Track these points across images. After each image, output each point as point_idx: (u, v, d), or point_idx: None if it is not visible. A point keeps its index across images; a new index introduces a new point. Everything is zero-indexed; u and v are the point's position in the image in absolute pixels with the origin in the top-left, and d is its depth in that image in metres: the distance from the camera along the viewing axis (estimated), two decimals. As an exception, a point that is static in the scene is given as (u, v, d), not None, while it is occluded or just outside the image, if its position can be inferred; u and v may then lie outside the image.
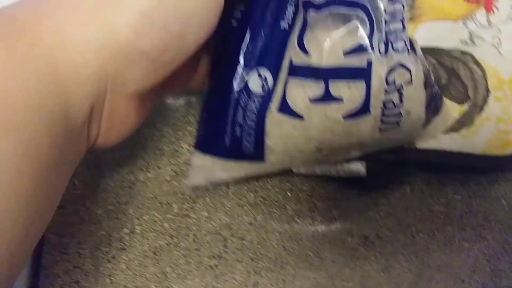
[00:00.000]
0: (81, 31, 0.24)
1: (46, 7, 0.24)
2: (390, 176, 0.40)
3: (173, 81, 0.34)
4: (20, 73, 0.22)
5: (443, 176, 0.41)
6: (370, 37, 0.30)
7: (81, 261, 0.37)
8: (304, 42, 0.31)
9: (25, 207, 0.22)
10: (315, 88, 0.31)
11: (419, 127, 0.34)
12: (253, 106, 0.31)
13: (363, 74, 0.30)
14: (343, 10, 0.30)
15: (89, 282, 0.36)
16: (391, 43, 0.31)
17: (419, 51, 0.33)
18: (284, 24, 0.31)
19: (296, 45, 0.31)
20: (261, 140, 0.32)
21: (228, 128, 0.32)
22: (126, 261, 0.37)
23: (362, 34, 0.30)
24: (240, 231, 0.38)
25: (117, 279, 0.36)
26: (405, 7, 0.31)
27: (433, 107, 0.34)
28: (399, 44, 0.31)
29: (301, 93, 0.31)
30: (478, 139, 0.39)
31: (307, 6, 0.31)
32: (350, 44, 0.30)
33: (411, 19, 0.42)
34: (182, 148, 0.41)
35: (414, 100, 0.32)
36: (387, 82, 0.30)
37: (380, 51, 0.30)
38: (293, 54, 0.31)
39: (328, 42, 0.30)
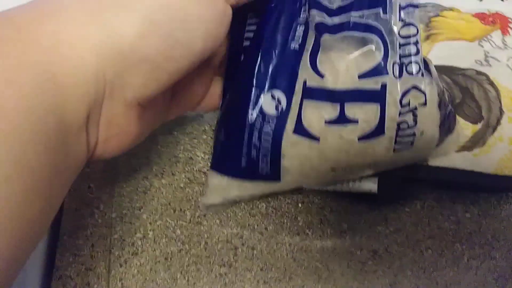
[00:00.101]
0: (80, 32, 0.23)
1: (45, 9, 0.24)
2: (401, 192, 0.40)
3: (184, 99, 0.34)
4: (14, 78, 0.21)
5: (454, 194, 0.40)
6: (385, 60, 0.30)
7: (93, 264, 0.37)
8: (318, 64, 0.31)
9: (16, 215, 0.21)
10: (331, 110, 0.31)
11: (432, 146, 0.34)
12: (268, 128, 0.31)
13: (378, 96, 0.30)
14: (358, 34, 0.30)
15: (100, 285, 0.36)
16: (406, 66, 0.30)
17: (434, 72, 0.33)
18: (294, 45, 0.31)
19: (310, 66, 0.31)
20: (277, 161, 0.32)
21: (244, 150, 0.32)
22: (137, 266, 0.37)
23: (377, 57, 0.30)
24: (251, 241, 0.38)
25: (128, 283, 0.37)
26: (419, 30, 0.31)
27: (446, 126, 0.34)
28: (414, 67, 0.31)
29: (316, 115, 0.31)
30: (490, 158, 0.39)
31: (321, 29, 0.30)
32: (365, 67, 0.30)
33: (427, 38, 0.42)
34: (197, 156, 0.41)
35: (428, 120, 0.32)
36: (401, 104, 0.30)
37: (395, 74, 0.30)
38: (307, 76, 0.31)
39: (343, 65, 0.30)
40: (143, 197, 0.39)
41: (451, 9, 0.44)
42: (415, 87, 0.30)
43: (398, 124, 0.30)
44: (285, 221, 0.39)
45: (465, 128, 0.39)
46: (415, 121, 0.31)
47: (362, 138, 0.31)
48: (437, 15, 0.44)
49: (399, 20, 0.30)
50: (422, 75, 0.30)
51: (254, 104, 0.31)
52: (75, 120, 0.24)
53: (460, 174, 0.38)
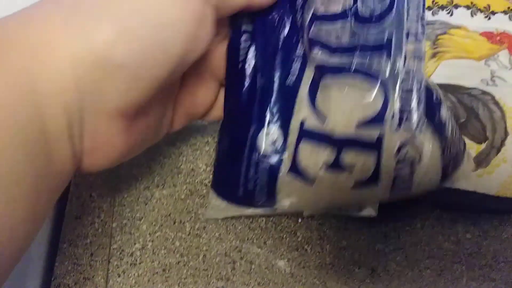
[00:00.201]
0: (57, 40, 0.22)
1: (23, 17, 0.23)
2: (401, 211, 0.40)
3: (188, 109, 0.33)
4: None
5: (454, 214, 0.40)
6: (384, 109, 0.29)
7: (92, 273, 0.37)
8: (317, 104, 0.30)
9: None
10: (327, 154, 0.30)
11: (434, 187, 0.33)
12: (265, 164, 0.30)
13: (375, 146, 0.29)
14: (359, 78, 0.29)
15: (98, 295, 0.36)
16: (406, 117, 0.29)
17: (443, 115, 0.32)
18: (289, 81, 0.30)
19: (309, 106, 0.30)
20: (273, 195, 0.31)
21: (241, 182, 0.31)
22: (135, 276, 0.37)
23: (377, 105, 0.29)
24: (249, 255, 0.38)
25: (126, 293, 0.36)
26: (423, 84, 0.30)
27: (451, 166, 0.33)
28: (414, 119, 0.30)
29: (313, 158, 0.30)
30: (493, 180, 0.38)
31: (322, 69, 0.30)
32: (364, 114, 0.29)
33: (434, 55, 0.42)
34: (199, 167, 0.41)
35: (427, 172, 0.31)
36: (398, 156, 0.29)
37: (393, 124, 0.29)
38: (306, 115, 0.30)
39: (342, 110, 0.30)
40: (143, 208, 0.39)
41: (458, 27, 0.43)
42: (413, 140, 0.29)
43: (394, 177, 0.30)
44: (284, 236, 0.38)
45: (469, 148, 0.39)
46: (412, 173, 0.30)
47: (356, 185, 0.30)
48: (445, 33, 0.43)
49: (402, 69, 0.29)
50: (422, 126, 0.29)
51: (251, 139, 0.31)
52: (56, 128, 0.23)
53: (462, 195, 0.38)
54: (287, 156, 0.30)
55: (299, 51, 0.31)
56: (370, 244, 0.39)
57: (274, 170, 0.30)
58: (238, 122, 0.32)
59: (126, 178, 0.40)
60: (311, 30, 0.30)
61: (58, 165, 0.24)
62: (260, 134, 0.30)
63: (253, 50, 0.31)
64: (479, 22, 0.44)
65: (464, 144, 0.34)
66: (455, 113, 0.39)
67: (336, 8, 0.30)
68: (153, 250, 0.37)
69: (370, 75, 0.29)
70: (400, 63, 0.29)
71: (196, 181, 0.40)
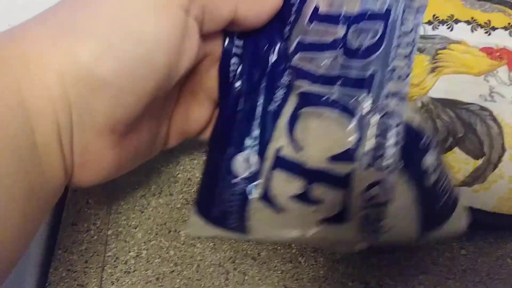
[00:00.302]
0: (45, 57, 0.23)
1: (12, 34, 0.23)
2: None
3: (183, 127, 0.33)
4: None
5: (450, 230, 0.40)
6: (357, 146, 0.28)
7: (86, 280, 0.36)
8: (295, 134, 0.29)
9: None
10: (298, 185, 0.29)
11: (411, 239, 0.31)
12: (236, 188, 0.30)
13: (344, 183, 0.28)
14: (337, 111, 0.28)
15: (91, 302, 0.36)
16: (379, 157, 0.28)
17: (426, 163, 0.30)
18: (271, 107, 0.30)
19: (287, 134, 0.29)
20: (243, 221, 0.30)
21: (216, 202, 0.31)
22: (129, 284, 0.37)
23: (351, 141, 0.28)
24: (243, 266, 0.37)
25: (119, 301, 0.36)
26: (401, 122, 0.28)
27: (434, 221, 0.31)
28: (386, 160, 0.28)
29: (284, 186, 0.30)
30: (490, 196, 0.38)
31: (303, 99, 0.29)
32: (337, 149, 0.28)
33: (433, 70, 0.42)
34: (196, 177, 0.40)
35: (399, 218, 0.29)
36: (366, 195, 0.28)
37: (365, 163, 0.28)
38: (283, 143, 0.30)
39: (317, 142, 0.29)
40: (139, 216, 0.39)
41: (458, 42, 0.43)
42: (383, 181, 0.28)
43: (362, 216, 0.29)
44: (278, 247, 0.38)
45: (466, 163, 0.38)
46: (381, 217, 0.29)
47: (325, 221, 0.29)
48: (444, 48, 0.43)
49: (382, 108, 0.28)
50: (393, 170, 0.28)
51: (227, 161, 0.30)
52: (46, 142, 0.23)
53: (457, 210, 0.38)
54: (260, 183, 0.30)
55: (285, 78, 0.30)
56: (364, 258, 0.38)
57: (246, 195, 0.30)
58: (219, 142, 0.31)
59: (123, 186, 0.40)
60: (295, 57, 0.30)
61: (50, 178, 0.24)
62: (237, 157, 0.30)
63: (240, 72, 0.31)
64: (479, 38, 0.43)
65: (456, 199, 0.32)
66: (453, 128, 0.39)
67: (327, 38, 0.29)
68: (147, 259, 0.37)
69: (348, 109, 0.28)
70: (380, 101, 0.28)
71: (192, 190, 0.40)
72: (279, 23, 0.30)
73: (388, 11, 0.29)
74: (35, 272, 0.37)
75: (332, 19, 0.29)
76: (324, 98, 0.29)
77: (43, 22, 0.24)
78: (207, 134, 0.34)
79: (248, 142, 0.30)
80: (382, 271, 0.38)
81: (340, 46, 0.29)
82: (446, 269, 0.38)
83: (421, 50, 0.42)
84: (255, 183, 0.30)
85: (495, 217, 0.38)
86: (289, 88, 0.30)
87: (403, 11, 0.29)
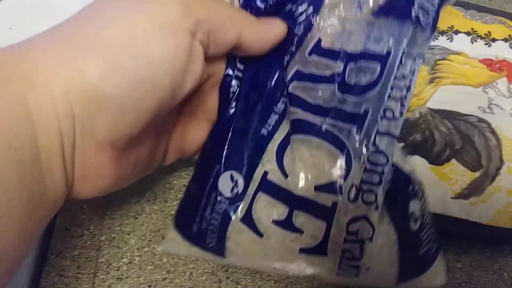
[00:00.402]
0: (51, 72, 0.23)
1: (20, 49, 0.23)
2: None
3: (181, 145, 0.33)
4: None
5: (446, 242, 0.39)
6: (343, 179, 0.28)
7: (78, 286, 0.36)
8: (284, 161, 0.29)
9: None
10: (281, 211, 0.29)
11: (388, 284, 0.31)
12: (220, 207, 0.30)
13: (327, 214, 0.28)
14: (327, 143, 0.28)
15: (82, 308, 0.36)
16: (363, 193, 0.28)
17: (412, 209, 0.30)
18: (264, 131, 0.30)
19: (275, 160, 0.29)
20: (223, 241, 0.30)
21: (197, 219, 0.31)
22: (121, 291, 0.36)
23: (337, 173, 0.28)
24: (236, 275, 0.37)
25: (110, 308, 0.36)
26: (389, 161, 0.28)
27: (415, 268, 0.31)
28: (370, 197, 0.28)
29: (267, 211, 0.29)
30: (487, 209, 0.37)
31: (295, 126, 0.29)
32: (323, 179, 0.28)
33: (431, 81, 0.41)
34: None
35: (379, 258, 0.29)
36: (347, 231, 0.28)
37: (349, 197, 0.28)
38: (270, 168, 0.29)
39: (304, 171, 0.28)
40: (133, 222, 0.38)
41: (458, 53, 0.42)
42: (366, 218, 0.28)
43: (342, 251, 0.28)
44: (273, 257, 0.38)
45: (463, 175, 0.38)
46: (361, 254, 0.28)
47: (304, 251, 0.29)
48: (444, 59, 0.42)
49: (372, 144, 0.28)
50: (377, 208, 0.28)
51: (214, 179, 0.30)
52: (50, 157, 0.23)
53: (454, 222, 0.37)
54: (243, 204, 0.30)
55: (280, 105, 0.30)
56: (358, 268, 0.38)
57: (228, 215, 0.30)
58: (208, 158, 0.31)
59: (117, 191, 0.39)
60: (292, 84, 0.29)
61: (50, 190, 0.24)
62: (224, 176, 0.30)
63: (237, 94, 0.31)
64: (479, 49, 0.43)
65: (437, 251, 0.32)
66: (451, 140, 0.39)
67: (325, 71, 0.29)
68: (140, 265, 0.37)
69: (338, 141, 0.28)
70: (370, 138, 0.28)
71: (187, 197, 0.39)
72: (281, 51, 0.30)
73: (388, 53, 0.29)
74: (27, 276, 0.37)
75: (332, 54, 0.29)
76: (315, 128, 0.28)
77: (52, 37, 0.24)
78: None
79: (237, 162, 0.30)
80: (376, 283, 0.37)
81: (337, 80, 0.29)
82: (442, 282, 0.37)
83: (420, 61, 0.41)
84: (239, 203, 0.29)
85: (492, 230, 0.37)
86: (283, 114, 0.30)
87: (402, 55, 0.29)
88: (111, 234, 0.38)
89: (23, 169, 0.22)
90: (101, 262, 0.37)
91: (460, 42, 0.43)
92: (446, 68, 0.42)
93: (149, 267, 0.37)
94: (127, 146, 0.27)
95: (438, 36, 0.43)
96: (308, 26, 0.30)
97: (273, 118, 0.30)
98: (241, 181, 0.30)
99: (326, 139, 0.28)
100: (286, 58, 0.30)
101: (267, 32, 0.30)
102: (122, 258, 0.37)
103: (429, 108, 0.40)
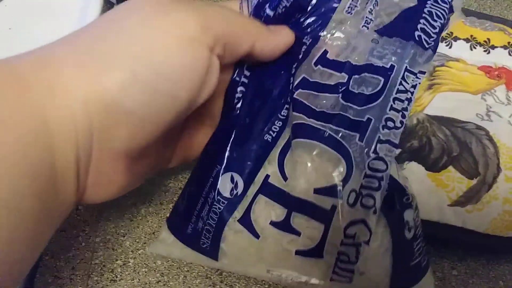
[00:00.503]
0: (71, 83, 0.23)
1: (40, 59, 0.23)
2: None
3: (186, 149, 0.33)
4: (11, 122, 0.21)
5: (442, 249, 0.38)
6: (343, 183, 0.28)
7: (72, 287, 0.36)
8: (285, 165, 0.29)
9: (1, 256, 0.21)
10: (279, 212, 0.29)
11: None
12: (218, 207, 0.29)
13: (325, 217, 0.28)
14: (328, 149, 0.28)
15: (76, 310, 0.35)
16: (362, 198, 0.28)
17: (406, 218, 0.30)
18: (268, 137, 0.30)
19: (277, 164, 0.29)
20: (218, 242, 0.30)
21: (193, 218, 0.30)
22: (114, 293, 0.36)
23: (337, 178, 0.28)
24: (230, 278, 0.37)
25: (103, 310, 0.36)
26: (388, 167, 0.28)
27: (404, 280, 0.31)
28: (369, 201, 0.28)
29: (265, 212, 0.29)
30: (483, 217, 0.37)
31: (299, 129, 0.29)
32: (323, 183, 0.28)
33: (430, 87, 0.41)
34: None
35: (372, 263, 0.29)
36: (345, 234, 0.28)
37: (349, 201, 0.28)
38: (271, 172, 0.29)
39: (304, 174, 0.28)
40: (128, 224, 0.38)
41: (457, 60, 0.42)
42: (364, 222, 0.28)
43: (338, 253, 0.28)
44: (267, 261, 0.37)
45: (460, 182, 0.37)
46: (357, 257, 0.28)
47: (300, 253, 0.29)
48: (442, 65, 0.42)
49: (373, 152, 0.28)
50: (375, 212, 0.28)
51: (214, 179, 0.30)
52: (65, 165, 0.23)
53: (450, 230, 0.37)
54: (242, 205, 0.29)
55: (284, 112, 0.30)
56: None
57: (225, 216, 0.29)
58: (209, 158, 0.31)
59: (113, 193, 0.39)
60: (297, 92, 0.30)
61: (62, 198, 0.24)
62: (224, 176, 0.30)
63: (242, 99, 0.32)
64: (478, 56, 0.43)
65: (427, 266, 0.32)
66: (448, 147, 0.38)
67: (330, 81, 0.30)
68: (134, 268, 0.37)
69: (341, 147, 0.28)
70: (371, 146, 0.28)
71: (183, 200, 0.39)
72: (288, 58, 0.31)
73: (392, 67, 0.29)
74: (21, 277, 0.36)
75: (337, 66, 0.30)
76: (318, 133, 0.28)
77: (72, 47, 0.24)
78: None
79: (238, 164, 0.30)
80: (371, 289, 0.37)
81: (341, 90, 0.29)
82: (436, 289, 0.37)
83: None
84: (237, 204, 0.29)
85: (488, 238, 0.37)
86: (286, 121, 0.30)
87: (404, 71, 0.30)
88: (106, 236, 0.38)
89: (37, 182, 0.22)
90: (96, 263, 0.37)
91: (459, 49, 0.43)
92: (445, 74, 0.41)
93: (143, 270, 0.36)
94: (140, 155, 0.27)
95: (437, 42, 0.43)
96: (316, 37, 0.31)
97: (277, 125, 0.30)
98: (241, 183, 0.29)
99: (328, 145, 0.28)
100: (294, 65, 0.31)
101: (277, 40, 0.30)
102: (117, 260, 0.37)
103: (427, 115, 0.39)
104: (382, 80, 0.29)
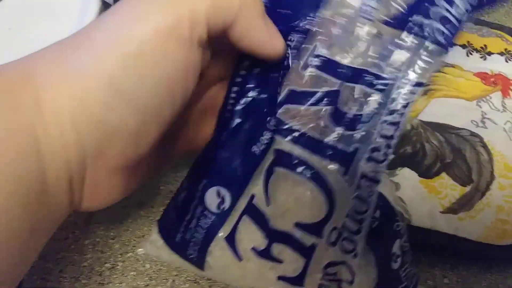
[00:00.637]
0: (58, 99, 0.22)
1: (25, 70, 0.22)
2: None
3: (186, 145, 0.32)
4: (1, 142, 0.20)
5: (434, 257, 0.38)
6: (324, 222, 0.27)
7: (59, 290, 0.35)
8: (270, 186, 0.28)
9: None
10: (260, 240, 0.28)
11: None
12: (205, 221, 0.29)
13: (306, 252, 0.27)
14: (310, 185, 0.27)
15: (62, 313, 0.35)
16: (342, 240, 0.27)
17: (394, 249, 0.29)
18: (255, 149, 0.28)
19: (262, 185, 0.28)
20: (203, 255, 0.29)
21: (181, 228, 0.30)
22: (102, 297, 0.35)
23: (318, 215, 0.27)
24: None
25: (91, 313, 0.35)
26: (369, 209, 0.26)
27: None
28: (348, 245, 0.27)
29: (249, 235, 0.28)
30: (476, 225, 0.36)
31: (277, 158, 0.27)
32: (303, 218, 0.27)
33: (425, 93, 0.40)
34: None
35: None
36: (325, 272, 0.27)
37: (329, 240, 0.27)
38: (257, 191, 0.28)
39: (284, 204, 0.28)
40: (118, 227, 0.38)
41: (453, 66, 0.41)
42: (346, 264, 0.27)
43: (320, 285, 0.28)
44: (257, 266, 0.37)
45: (453, 189, 0.37)
46: None
47: (282, 278, 0.28)
48: (438, 71, 0.41)
49: (356, 188, 0.26)
50: (355, 256, 0.27)
51: (201, 192, 0.29)
52: (57, 184, 0.23)
53: (442, 237, 0.36)
54: (229, 221, 0.28)
55: (274, 121, 0.28)
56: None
57: (212, 231, 0.28)
58: (199, 170, 0.30)
59: (104, 196, 0.39)
60: (282, 108, 0.28)
61: (55, 210, 0.24)
62: (210, 190, 0.29)
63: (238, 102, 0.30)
64: (475, 62, 0.42)
65: (416, 285, 0.31)
66: (442, 153, 0.38)
67: (319, 88, 0.27)
68: (122, 271, 0.36)
69: (322, 184, 0.26)
70: (355, 181, 0.26)
71: (173, 203, 0.39)
72: (277, 68, 0.28)
73: (386, 84, 0.27)
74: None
75: (330, 67, 0.28)
76: (301, 165, 0.27)
77: (55, 59, 0.23)
78: None
79: (224, 178, 0.28)
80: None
81: (330, 102, 0.27)
82: (427, 297, 0.36)
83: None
84: (225, 220, 0.28)
85: (479, 246, 0.36)
86: (274, 134, 0.28)
87: (400, 87, 0.27)
88: (96, 239, 0.37)
89: (28, 200, 0.21)
90: (84, 266, 0.36)
91: (456, 55, 0.42)
92: (440, 80, 0.41)
93: (131, 273, 0.36)
94: (138, 163, 0.26)
95: (433, 47, 0.42)
96: (304, 32, 0.28)
97: (266, 136, 0.28)
98: (228, 198, 0.28)
99: (311, 179, 0.27)
100: (281, 73, 0.29)
101: (271, 35, 0.27)
102: (105, 263, 0.36)
103: (421, 121, 0.39)
104: (378, 97, 0.26)
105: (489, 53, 0.42)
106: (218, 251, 0.29)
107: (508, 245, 0.35)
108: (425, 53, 0.26)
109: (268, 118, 0.28)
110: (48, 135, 0.22)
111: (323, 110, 0.27)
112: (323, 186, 0.26)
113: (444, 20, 0.25)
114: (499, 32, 0.44)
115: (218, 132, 0.30)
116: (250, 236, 0.28)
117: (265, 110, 0.28)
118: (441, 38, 0.25)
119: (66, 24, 0.47)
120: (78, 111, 0.22)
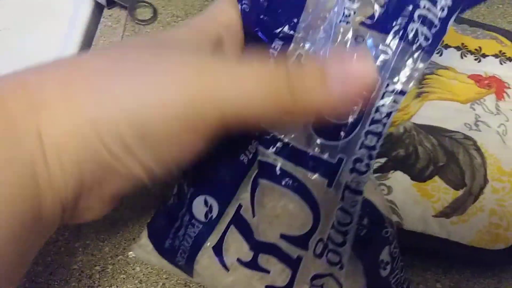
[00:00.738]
0: (60, 135, 0.22)
1: (28, 98, 0.22)
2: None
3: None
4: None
5: (426, 261, 0.37)
6: (309, 234, 0.26)
7: (48, 293, 0.35)
8: (256, 198, 0.27)
9: None
10: (246, 252, 0.27)
11: None
12: (193, 230, 0.28)
13: (292, 264, 0.27)
14: (295, 197, 0.26)
15: (51, 316, 0.35)
16: (328, 252, 0.26)
17: (383, 256, 0.28)
18: (244, 157, 0.27)
19: (249, 195, 0.27)
20: (191, 263, 0.29)
21: (170, 235, 0.29)
22: (91, 300, 0.35)
23: (304, 227, 0.26)
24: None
25: (80, 316, 0.35)
26: (353, 220, 0.25)
27: None
28: (333, 257, 0.26)
29: (235, 246, 0.28)
30: (468, 229, 0.36)
31: (261, 170, 0.26)
32: (288, 230, 0.26)
33: (418, 95, 0.40)
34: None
35: None
36: (312, 284, 0.27)
37: (316, 251, 0.26)
38: (244, 201, 0.28)
39: (269, 216, 0.27)
40: (109, 229, 0.37)
41: (447, 68, 0.41)
42: (332, 275, 0.26)
43: None
44: (248, 270, 0.36)
45: (445, 193, 0.36)
46: None
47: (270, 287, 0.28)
48: (432, 73, 0.41)
49: (340, 200, 0.25)
50: (342, 268, 0.26)
51: (190, 201, 0.28)
52: (51, 209, 0.23)
53: (434, 241, 0.35)
54: (217, 231, 0.28)
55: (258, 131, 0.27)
56: None
57: (199, 240, 0.28)
58: (188, 178, 0.29)
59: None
60: None
61: (46, 230, 0.24)
62: (197, 199, 0.28)
63: None
64: (469, 64, 0.41)
65: None
66: (434, 156, 0.37)
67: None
68: (112, 274, 0.36)
69: (307, 196, 0.25)
70: (339, 193, 0.25)
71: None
72: None
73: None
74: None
75: None
76: (285, 178, 0.26)
77: (62, 87, 0.23)
78: None
79: (212, 187, 0.28)
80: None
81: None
82: (419, 302, 0.36)
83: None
84: (213, 229, 0.28)
85: (472, 251, 0.35)
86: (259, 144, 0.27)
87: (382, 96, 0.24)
88: (86, 241, 0.37)
89: (23, 229, 0.21)
90: (74, 269, 0.36)
91: (450, 57, 0.42)
92: (434, 83, 0.40)
93: (121, 276, 0.36)
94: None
95: (427, 50, 0.41)
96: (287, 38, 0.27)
97: (254, 144, 0.27)
98: (215, 207, 0.28)
99: (295, 192, 0.26)
100: None
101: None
102: (95, 266, 0.36)
103: (414, 123, 0.38)
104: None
105: (484, 55, 0.42)
106: (205, 260, 0.29)
107: (501, 250, 0.35)
108: (410, 59, 0.24)
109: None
110: (47, 167, 0.22)
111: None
112: (308, 198, 0.26)
113: (429, 24, 0.24)
114: (494, 34, 0.43)
115: None
116: (236, 246, 0.28)
117: None
118: (425, 43, 0.24)
119: (65, 24, 0.47)
120: (81, 147, 0.22)
